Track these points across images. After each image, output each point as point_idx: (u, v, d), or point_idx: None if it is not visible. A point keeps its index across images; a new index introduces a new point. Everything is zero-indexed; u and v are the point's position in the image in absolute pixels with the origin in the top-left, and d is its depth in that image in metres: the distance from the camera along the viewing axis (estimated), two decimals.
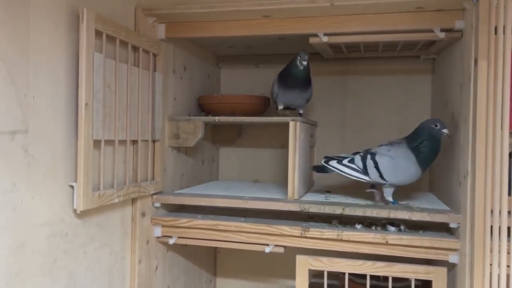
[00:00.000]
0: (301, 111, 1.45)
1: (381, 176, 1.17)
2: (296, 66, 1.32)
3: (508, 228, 0.87)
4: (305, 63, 1.31)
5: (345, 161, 1.21)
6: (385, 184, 1.18)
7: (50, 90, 0.90)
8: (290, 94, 1.39)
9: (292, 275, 1.23)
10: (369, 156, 1.19)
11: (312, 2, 1.10)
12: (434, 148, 1.16)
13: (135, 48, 1.16)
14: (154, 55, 1.24)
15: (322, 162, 1.24)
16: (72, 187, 0.95)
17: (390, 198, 1.19)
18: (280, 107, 1.44)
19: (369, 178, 1.18)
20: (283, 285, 1.73)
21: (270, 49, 1.60)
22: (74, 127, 0.96)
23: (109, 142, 1.06)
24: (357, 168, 1.20)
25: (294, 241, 1.18)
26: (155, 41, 1.23)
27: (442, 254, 1.09)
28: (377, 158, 1.18)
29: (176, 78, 1.39)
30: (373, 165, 1.18)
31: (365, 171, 1.19)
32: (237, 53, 1.67)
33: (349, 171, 1.20)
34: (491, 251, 0.89)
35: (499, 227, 0.88)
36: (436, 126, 1.15)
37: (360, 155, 1.21)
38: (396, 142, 1.21)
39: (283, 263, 1.68)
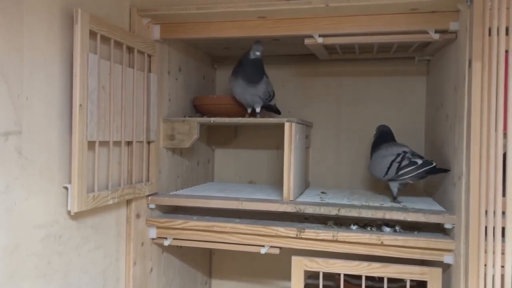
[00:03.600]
0: (257, 109, 1.40)
1: None
2: (246, 58, 1.32)
3: (503, 228, 0.88)
4: (258, 53, 1.30)
5: None
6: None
7: (44, 91, 0.90)
8: (238, 87, 1.37)
9: (287, 276, 1.23)
10: None
11: (307, 4, 1.10)
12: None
13: (130, 49, 1.15)
14: (149, 56, 1.23)
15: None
16: (66, 188, 0.95)
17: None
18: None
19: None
20: (278, 286, 1.72)
21: (266, 50, 1.59)
22: (68, 128, 0.95)
23: (104, 143, 1.05)
24: None
25: (289, 242, 1.17)
26: (150, 42, 1.23)
27: (437, 255, 1.09)
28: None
29: (171, 79, 1.38)
30: None
31: None
32: (233, 54, 1.67)
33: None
34: (485, 252, 0.89)
35: (494, 227, 0.88)
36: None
37: None
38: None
39: (278, 264, 1.68)
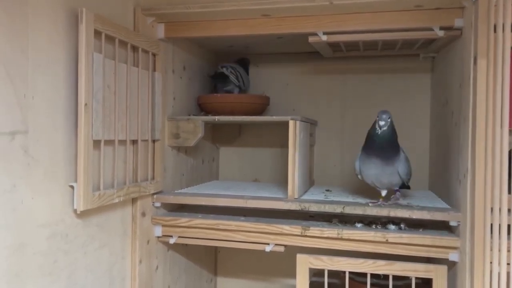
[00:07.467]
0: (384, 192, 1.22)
1: None
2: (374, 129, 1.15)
3: (508, 226, 0.87)
4: (382, 123, 1.12)
5: None
6: None
7: (50, 90, 0.90)
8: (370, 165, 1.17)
9: (292, 274, 1.23)
10: None
11: (311, 1, 1.10)
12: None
13: (134, 48, 1.16)
14: (154, 55, 1.24)
15: None
16: (72, 187, 0.95)
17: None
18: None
19: None
20: (283, 284, 1.73)
21: (270, 48, 1.60)
22: (74, 127, 0.96)
23: (109, 142, 1.06)
24: None
25: (294, 240, 1.18)
26: (154, 41, 1.23)
27: (442, 252, 1.09)
28: None
29: (175, 77, 1.39)
30: None
31: None
32: (237, 52, 1.67)
33: None
34: (491, 249, 0.89)
35: (499, 225, 0.88)
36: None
37: None
38: None
39: (283, 262, 1.68)
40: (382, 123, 1.13)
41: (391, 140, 1.16)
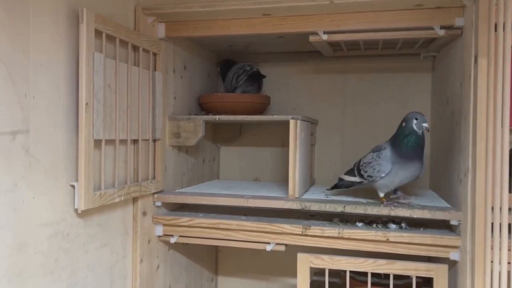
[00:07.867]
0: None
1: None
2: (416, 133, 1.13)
3: (509, 225, 0.88)
4: (427, 125, 1.12)
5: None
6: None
7: (51, 90, 0.91)
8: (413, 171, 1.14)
9: (293, 273, 1.23)
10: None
11: (312, 1, 1.10)
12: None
13: (135, 48, 1.16)
14: (154, 54, 1.24)
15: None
16: (73, 186, 0.95)
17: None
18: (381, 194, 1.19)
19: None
20: (284, 283, 1.73)
21: (270, 47, 1.60)
22: (75, 127, 0.96)
23: (110, 142, 1.06)
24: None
25: (295, 239, 1.18)
26: (155, 40, 1.23)
27: (443, 251, 1.09)
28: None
29: (176, 77, 1.39)
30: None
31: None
32: (237, 52, 1.67)
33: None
34: (491, 248, 0.89)
35: (500, 224, 0.88)
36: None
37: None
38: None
39: (284, 261, 1.68)
40: (427, 124, 1.12)
41: (424, 143, 1.16)
